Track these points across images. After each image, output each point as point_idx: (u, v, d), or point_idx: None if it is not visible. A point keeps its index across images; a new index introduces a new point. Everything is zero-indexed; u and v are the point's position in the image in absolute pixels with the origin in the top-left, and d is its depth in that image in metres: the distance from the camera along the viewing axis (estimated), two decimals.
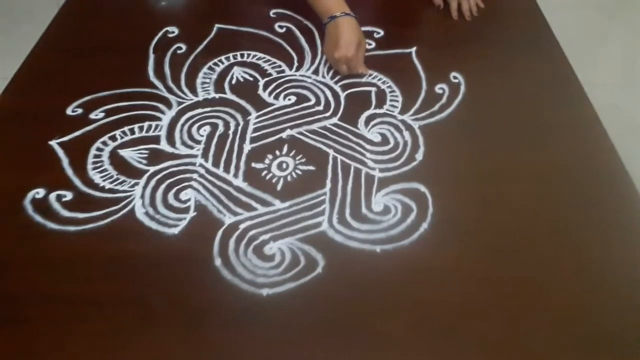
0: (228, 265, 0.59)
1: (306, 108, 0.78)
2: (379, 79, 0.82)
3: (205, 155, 0.71)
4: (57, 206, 0.64)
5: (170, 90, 0.79)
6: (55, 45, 0.87)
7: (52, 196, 0.65)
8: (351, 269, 0.60)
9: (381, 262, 0.60)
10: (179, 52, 0.86)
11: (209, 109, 0.77)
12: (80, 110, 0.76)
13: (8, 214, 0.64)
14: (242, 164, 0.70)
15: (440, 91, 0.81)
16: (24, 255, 0.60)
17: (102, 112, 0.75)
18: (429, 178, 0.69)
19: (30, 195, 0.65)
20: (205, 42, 0.88)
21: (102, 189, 0.66)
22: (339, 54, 0.78)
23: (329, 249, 0.61)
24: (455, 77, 0.83)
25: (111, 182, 0.67)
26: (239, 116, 0.76)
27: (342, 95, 0.80)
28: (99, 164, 0.69)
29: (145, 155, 0.71)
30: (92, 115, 0.75)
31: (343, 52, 0.78)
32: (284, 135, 0.74)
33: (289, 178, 0.68)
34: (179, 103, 0.78)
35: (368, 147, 0.73)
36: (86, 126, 0.73)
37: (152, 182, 0.67)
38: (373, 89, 0.81)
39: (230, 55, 0.86)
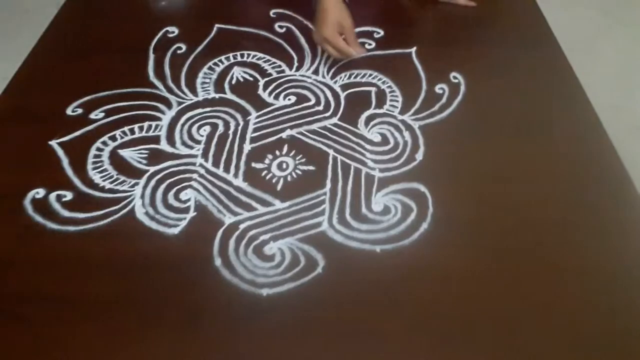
0: (228, 265, 0.59)
1: (306, 108, 0.78)
2: (379, 79, 0.82)
3: (205, 155, 0.71)
4: (57, 206, 0.64)
5: (170, 90, 0.79)
6: (55, 45, 0.87)
7: (52, 196, 0.65)
8: (351, 269, 0.60)
9: (381, 262, 0.60)
10: (179, 52, 0.86)
11: (209, 109, 0.77)
12: (80, 110, 0.76)
13: (8, 214, 0.64)
14: (242, 164, 0.70)
15: (440, 91, 0.81)
16: (24, 255, 0.60)
17: (102, 112, 0.75)
18: (429, 178, 0.69)
19: (30, 195, 0.65)
20: (205, 42, 0.88)
21: (102, 189, 0.66)
22: (316, 36, 0.76)
23: (329, 249, 0.61)
24: (455, 77, 0.83)
25: (111, 182, 0.67)
26: (239, 116, 0.76)
27: (342, 95, 0.80)
28: (99, 164, 0.69)
29: (145, 155, 0.71)
30: (92, 115, 0.75)
31: (321, 33, 0.76)
32: (284, 135, 0.74)
33: (289, 178, 0.68)
34: (179, 103, 0.78)
35: (368, 147, 0.73)
36: (86, 126, 0.73)
37: (152, 182, 0.67)
38: (373, 89, 0.81)
39: (230, 55, 0.86)
